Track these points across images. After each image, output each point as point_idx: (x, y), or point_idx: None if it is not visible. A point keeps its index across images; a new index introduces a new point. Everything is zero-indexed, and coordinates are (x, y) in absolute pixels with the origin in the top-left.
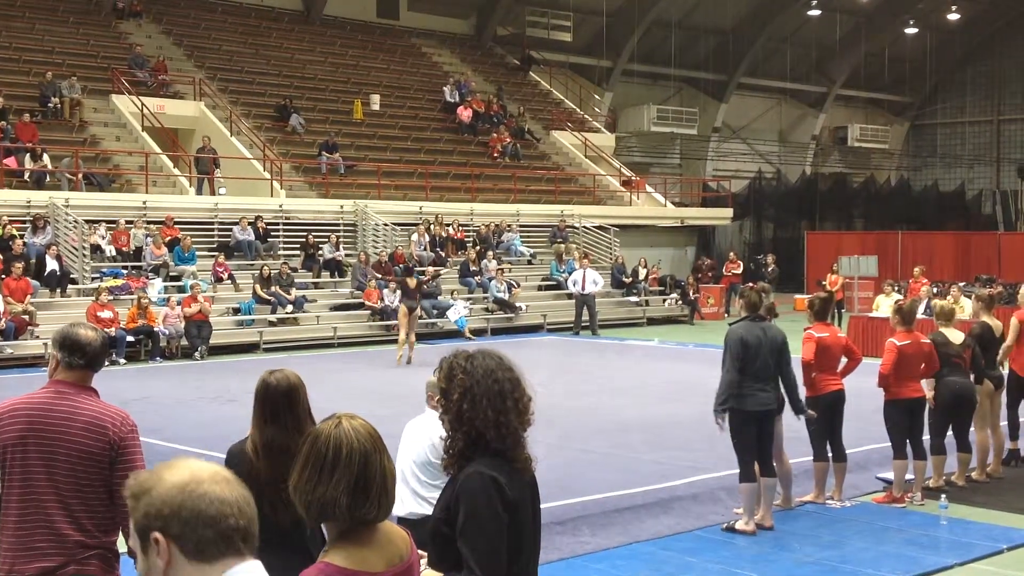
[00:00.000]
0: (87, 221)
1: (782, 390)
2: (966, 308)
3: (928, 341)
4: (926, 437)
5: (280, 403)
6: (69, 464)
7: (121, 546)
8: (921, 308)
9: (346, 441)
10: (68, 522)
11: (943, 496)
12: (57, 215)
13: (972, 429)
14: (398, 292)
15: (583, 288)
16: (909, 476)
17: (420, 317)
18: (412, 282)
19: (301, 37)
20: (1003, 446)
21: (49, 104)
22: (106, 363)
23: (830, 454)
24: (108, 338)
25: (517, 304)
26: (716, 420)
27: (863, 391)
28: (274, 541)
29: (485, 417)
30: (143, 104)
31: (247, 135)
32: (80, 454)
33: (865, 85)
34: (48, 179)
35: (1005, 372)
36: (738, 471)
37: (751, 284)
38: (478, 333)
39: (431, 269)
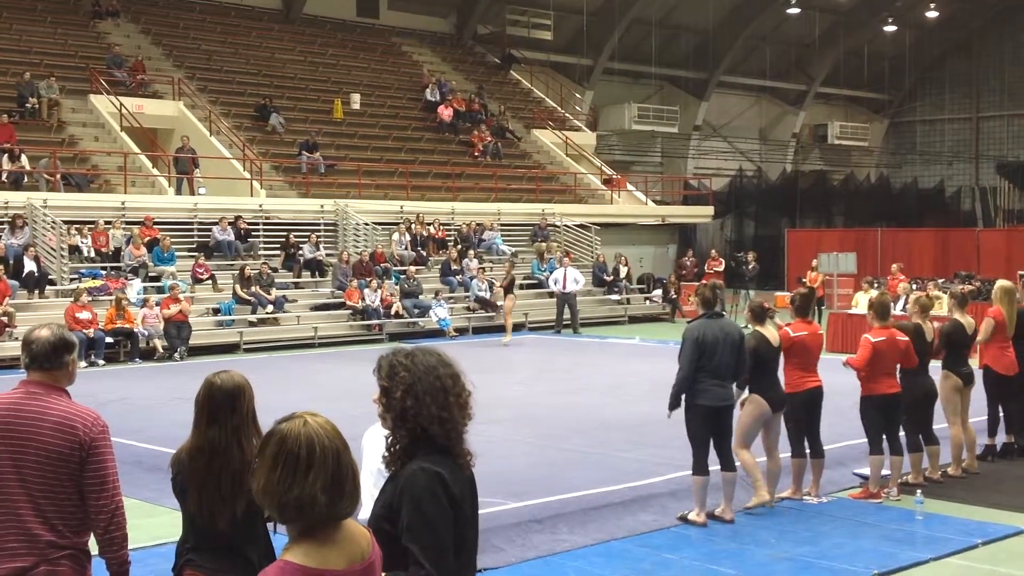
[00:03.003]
0: (65, 222)
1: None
2: (945, 304)
3: (904, 338)
4: (902, 433)
5: (223, 404)
6: (39, 464)
7: (92, 547)
8: (900, 305)
9: (318, 440)
10: (39, 522)
11: (919, 491)
12: (35, 216)
13: (946, 424)
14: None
15: (564, 287)
16: (885, 472)
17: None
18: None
19: (281, 36)
20: (975, 441)
21: (27, 104)
22: (82, 364)
23: (807, 450)
24: (65, 339)
25: (499, 303)
26: (669, 415)
27: (841, 388)
28: (209, 544)
29: (429, 413)
30: (121, 104)
31: (227, 135)
32: (50, 454)
33: (844, 83)
34: (26, 180)
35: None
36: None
37: (704, 281)
38: (460, 332)
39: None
